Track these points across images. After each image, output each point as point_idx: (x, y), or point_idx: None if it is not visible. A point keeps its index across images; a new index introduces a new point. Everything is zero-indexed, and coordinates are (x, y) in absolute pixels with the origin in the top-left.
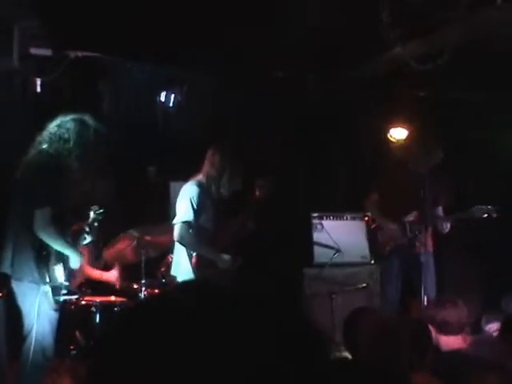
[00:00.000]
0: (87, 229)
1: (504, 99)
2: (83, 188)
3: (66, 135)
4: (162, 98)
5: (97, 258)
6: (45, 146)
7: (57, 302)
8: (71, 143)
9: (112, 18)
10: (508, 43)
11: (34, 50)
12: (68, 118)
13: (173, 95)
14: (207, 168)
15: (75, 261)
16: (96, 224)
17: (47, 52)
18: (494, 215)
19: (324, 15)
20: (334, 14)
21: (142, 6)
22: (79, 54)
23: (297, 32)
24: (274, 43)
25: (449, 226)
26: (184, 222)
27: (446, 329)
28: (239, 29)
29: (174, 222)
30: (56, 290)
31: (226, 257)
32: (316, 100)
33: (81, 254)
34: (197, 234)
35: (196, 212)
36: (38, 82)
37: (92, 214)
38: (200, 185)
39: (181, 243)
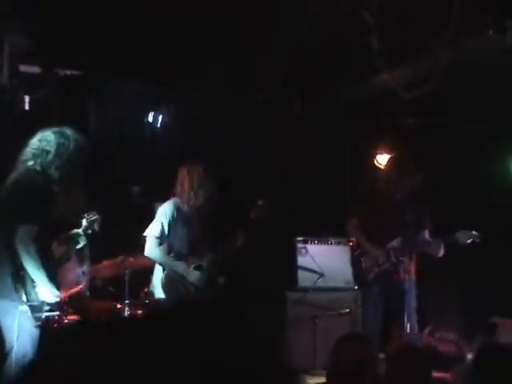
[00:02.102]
0: (81, 233)
1: (490, 126)
2: (68, 199)
3: (48, 147)
4: (150, 119)
5: (83, 273)
6: (30, 163)
7: (38, 319)
8: (52, 154)
9: (101, 37)
10: (494, 71)
11: (23, 68)
12: (48, 131)
13: (160, 116)
14: (189, 195)
15: (49, 292)
16: (90, 231)
17: (36, 70)
18: (478, 240)
19: (312, 38)
20: (323, 37)
21: (130, 26)
22: (68, 72)
23: (284, 54)
24: (261, 64)
25: (443, 248)
26: (154, 237)
27: None
28: (226, 50)
29: (145, 234)
30: (35, 308)
31: (195, 273)
32: (302, 123)
33: (54, 285)
34: (168, 251)
35: (167, 230)
36: (27, 99)
37: (85, 222)
38: (174, 205)
39: (149, 257)
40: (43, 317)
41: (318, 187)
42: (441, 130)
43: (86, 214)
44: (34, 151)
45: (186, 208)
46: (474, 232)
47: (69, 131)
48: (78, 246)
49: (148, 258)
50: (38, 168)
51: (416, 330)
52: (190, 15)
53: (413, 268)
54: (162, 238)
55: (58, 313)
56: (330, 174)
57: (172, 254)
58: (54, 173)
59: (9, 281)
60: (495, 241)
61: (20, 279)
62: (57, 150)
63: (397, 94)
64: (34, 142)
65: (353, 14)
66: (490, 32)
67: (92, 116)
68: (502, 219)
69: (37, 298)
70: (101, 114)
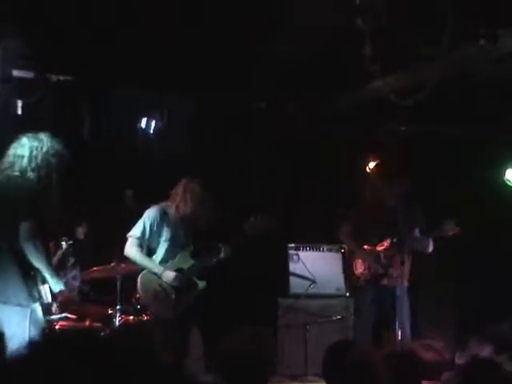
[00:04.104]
0: (67, 254)
1: (483, 134)
2: (48, 201)
3: (22, 152)
4: (143, 124)
5: (73, 278)
6: (9, 171)
7: (47, 321)
8: (26, 157)
9: (94, 43)
10: (486, 79)
11: (16, 72)
12: (23, 137)
13: (153, 121)
14: (179, 203)
15: (55, 284)
16: (68, 254)
17: (29, 74)
18: (457, 230)
19: (306, 45)
20: (317, 44)
21: (124, 32)
22: (61, 77)
23: (279, 61)
24: (256, 72)
25: (431, 244)
26: (133, 238)
27: None
28: (221, 56)
29: (127, 235)
30: (45, 309)
31: (171, 273)
32: (295, 130)
33: (60, 278)
34: (147, 252)
35: (148, 233)
36: (19, 104)
37: (64, 245)
38: (161, 212)
39: (127, 256)
40: (51, 319)
41: (310, 193)
42: (434, 138)
43: (63, 238)
44: (11, 159)
45: (173, 214)
46: (452, 224)
47: (43, 135)
48: (69, 264)
49: (126, 257)
50: (16, 173)
51: (408, 337)
52: (184, 21)
53: (405, 274)
54: (142, 240)
55: (64, 315)
56: (323, 180)
57: (154, 257)
58: (31, 175)
59: (17, 283)
60: (489, 247)
61: (31, 278)
62: (30, 153)
63: (390, 101)
64: (10, 152)
65: (347, 22)
66: (482, 41)
67: (86, 121)
68: (495, 226)
69: (45, 298)
70: (94, 118)
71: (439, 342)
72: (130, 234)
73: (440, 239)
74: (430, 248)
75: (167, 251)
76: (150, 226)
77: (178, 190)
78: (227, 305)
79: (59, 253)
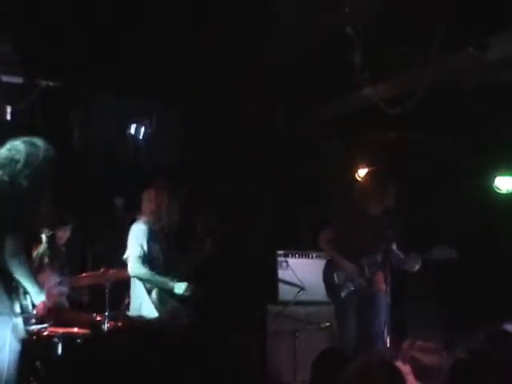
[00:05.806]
0: (46, 250)
1: (473, 141)
2: (37, 209)
3: (17, 156)
4: (132, 131)
5: (60, 283)
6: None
7: (27, 332)
8: (21, 163)
9: (83, 49)
10: (476, 86)
11: (5, 78)
12: (18, 141)
13: (142, 128)
14: (146, 205)
15: (36, 295)
16: (49, 247)
17: (18, 80)
18: (455, 257)
19: (295, 52)
20: (306, 51)
21: (113, 38)
22: (50, 83)
23: (268, 68)
24: (245, 76)
25: (419, 264)
26: (136, 257)
27: None
28: (209, 62)
29: (126, 256)
30: (26, 320)
31: (182, 284)
32: (285, 135)
33: (42, 288)
34: (151, 268)
35: (145, 248)
36: (9, 109)
37: (44, 237)
38: (146, 224)
39: (136, 277)
40: (31, 329)
41: (300, 200)
42: (424, 145)
43: (44, 230)
44: (3, 161)
45: (155, 226)
46: (451, 249)
47: (39, 141)
48: (46, 261)
49: (135, 277)
50: (5, 178)
51: (387, 344)
52: (173, 29)
53: (382, 281)
54: (143, 258)
55: (46, 325)
56: (312, 187)
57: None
58: (22, 182)
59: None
60: (476, 254)
61: (14, 289)
62: (26, 160)
63: (380, 108)
64: (3, 152)
65: (336, 29)
66: (471, 49)
67: (76, 127)
68: (483, 233)
69: (29, 308)
70: (84, 124)
71: (433, 343)
72: (128, 254)
73: (431, 261)
74: (417, 267)
75: (160, 264)
76: (146, 241)
77: (152, 202)
78: (215, 312)
79: (39, 250)
